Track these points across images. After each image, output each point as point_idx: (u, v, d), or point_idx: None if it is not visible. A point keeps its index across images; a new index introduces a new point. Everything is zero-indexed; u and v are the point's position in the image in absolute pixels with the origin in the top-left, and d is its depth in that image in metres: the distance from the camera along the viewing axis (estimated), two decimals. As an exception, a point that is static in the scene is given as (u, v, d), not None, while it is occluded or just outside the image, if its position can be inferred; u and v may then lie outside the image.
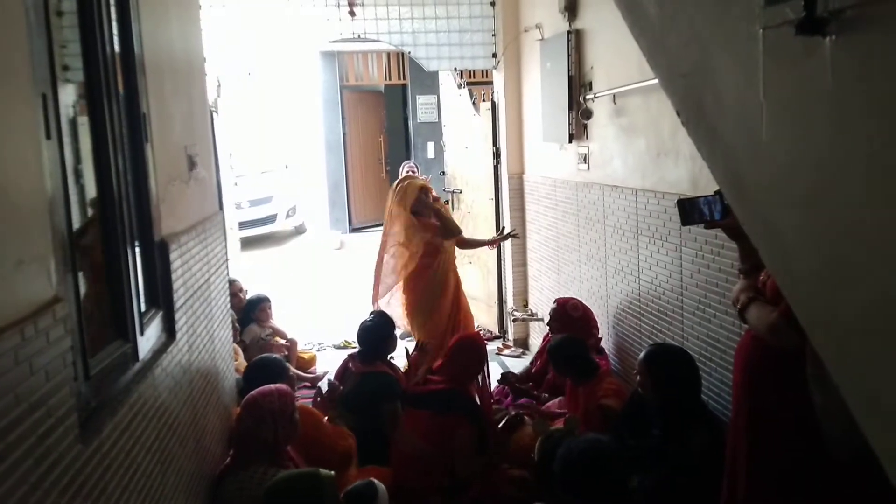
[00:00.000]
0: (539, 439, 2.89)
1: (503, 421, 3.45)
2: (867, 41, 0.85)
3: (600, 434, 2.76)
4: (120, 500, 1.65)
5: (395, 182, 4.99)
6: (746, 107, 1.12)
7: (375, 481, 2.43)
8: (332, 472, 2.30)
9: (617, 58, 3.68)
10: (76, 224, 1.62)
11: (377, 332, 3.85)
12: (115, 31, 1.99)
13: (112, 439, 1.63)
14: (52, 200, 1.44)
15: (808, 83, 0.97)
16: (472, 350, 3.39)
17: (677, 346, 3.04)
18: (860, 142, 0.89)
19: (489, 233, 5.86)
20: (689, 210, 1.99)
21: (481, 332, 5.99)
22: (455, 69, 5.79)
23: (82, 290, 1.58)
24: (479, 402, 3.33)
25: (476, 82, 7.78)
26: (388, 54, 11.70)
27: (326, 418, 3.26)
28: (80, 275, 1.59)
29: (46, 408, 1.32)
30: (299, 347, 5.27)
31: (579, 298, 4.17)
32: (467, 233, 5.96)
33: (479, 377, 3.42)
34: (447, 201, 5.91)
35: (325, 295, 7.84)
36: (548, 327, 4.17)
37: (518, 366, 4.92)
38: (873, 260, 0.88)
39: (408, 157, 11.17)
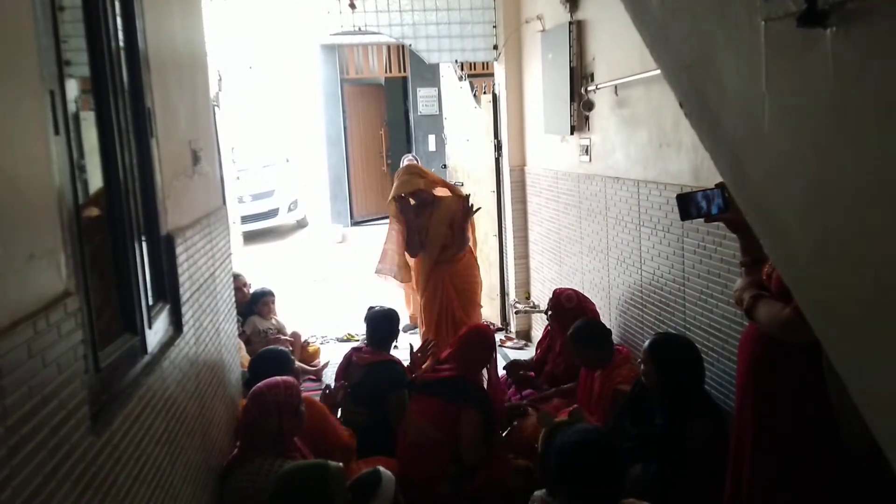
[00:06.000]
0: (543, 431, 2.90)
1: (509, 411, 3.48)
2: (868, 33, 0.86)
3: (596, 425, 2.76)
4: (130, 491, 1.67)
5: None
6: (749, 98, 1.13)
7: (381, 468, 2.45)
8: (341, 465, 2.31)
9: (618, 49, 3.68)
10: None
11: (386, 317, 3.88)
12: (119, 25, 2.00)
13: (122, 431, 1.65)
14: (61, 195, 1.45)
15: (810, 75, 0.98)
16: (481, 341, 3.42)
17: (681, 335, 3.06)
18: (860, 132, 0.90)
19: (492, 226, 5.87)
20: (687, 205, 2.01)
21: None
22: (456, 61, 5.79)
23: (91, 284, 1.60)
24: (487, 393, 3.35)
25: (477, 74, 7.77)
26: (389, 47, 11.67)
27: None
28: (89, 269, 1.61)
29: (59, 400, 1.34)
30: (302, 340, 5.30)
31: (580, 289, 4.17)
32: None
33: (487, 369, 3.44)
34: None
35: (327, 288, 7.85)
36: (546, 318, 4.18)
37: (521, 357, 4.93)
38: (874, 250, 0.89)
39: (409, 150, 11.15)
